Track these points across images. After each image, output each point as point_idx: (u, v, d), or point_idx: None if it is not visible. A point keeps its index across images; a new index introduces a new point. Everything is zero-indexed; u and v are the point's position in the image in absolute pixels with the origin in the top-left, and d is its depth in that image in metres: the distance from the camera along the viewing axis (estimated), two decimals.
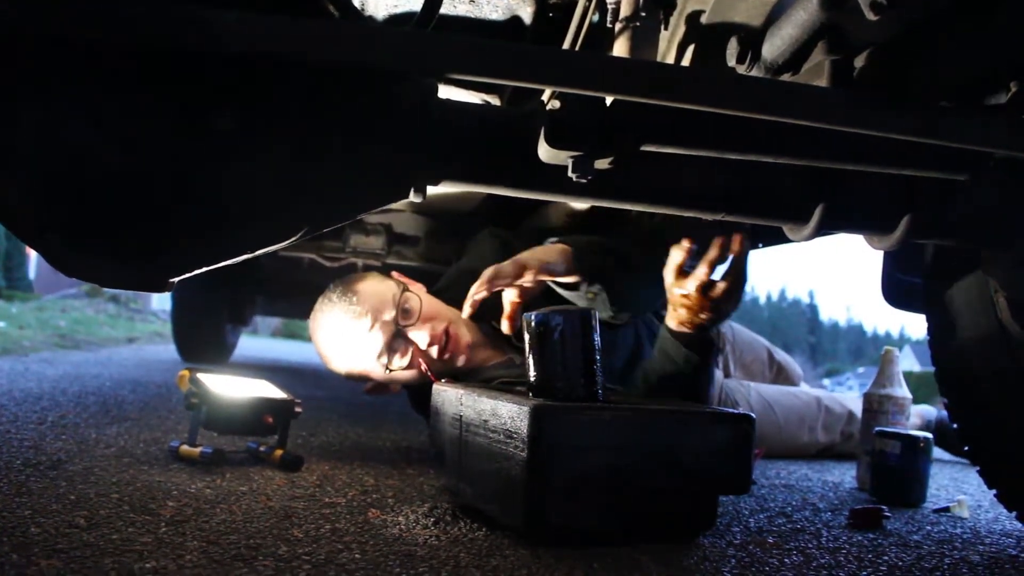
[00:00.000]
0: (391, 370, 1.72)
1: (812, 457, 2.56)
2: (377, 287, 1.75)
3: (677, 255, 1.47)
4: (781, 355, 2.89)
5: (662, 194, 1.13)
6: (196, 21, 0.81)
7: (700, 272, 1.43)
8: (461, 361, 1.76)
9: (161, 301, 14.04)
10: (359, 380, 1.81)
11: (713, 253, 1.43)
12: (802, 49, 0.93)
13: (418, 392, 1.85)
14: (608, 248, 1.66)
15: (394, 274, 1.84)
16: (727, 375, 2.62)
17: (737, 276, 1.44)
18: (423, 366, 1.72)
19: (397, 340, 1.71)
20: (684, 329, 1.50)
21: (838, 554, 1.21)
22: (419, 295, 1.76)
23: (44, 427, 1.68)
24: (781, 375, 2.84)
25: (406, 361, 1.72)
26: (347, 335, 1.71)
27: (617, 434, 1.11)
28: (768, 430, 2.39)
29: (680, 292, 1.47)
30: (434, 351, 1.72)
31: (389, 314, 1.70)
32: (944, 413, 2.70)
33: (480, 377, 1.76)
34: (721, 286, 1.44)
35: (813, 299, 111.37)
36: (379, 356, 1.70)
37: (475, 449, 1.22)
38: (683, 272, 1.48)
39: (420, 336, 1.72)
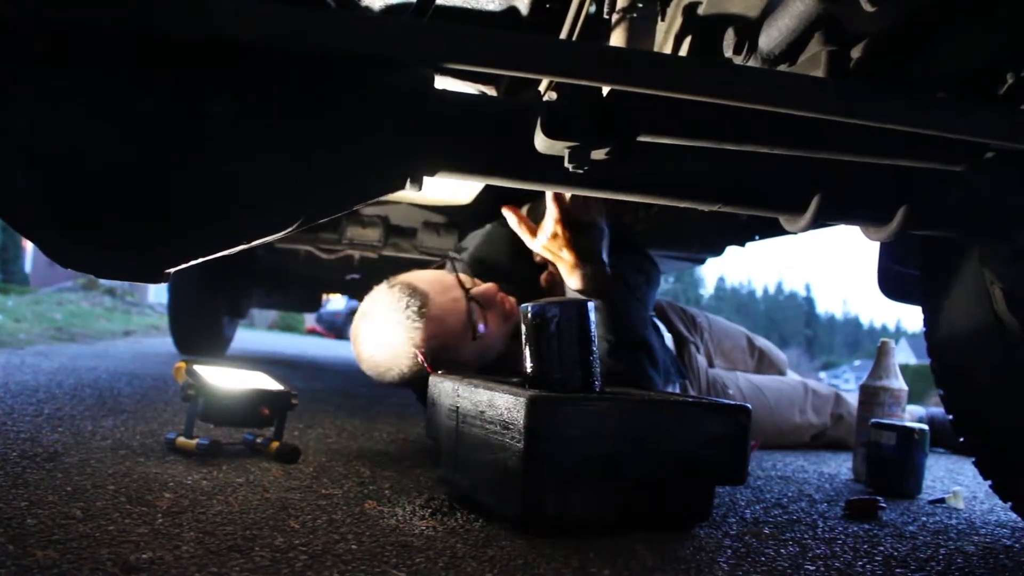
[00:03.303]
0: (476, 336, 1.69)
1: (807, 446, 2.58)
2: (424, 275, 1.74)
3: (515, 220, 1.55)
4: (761, 341, 2.90)
5: (659, 185, 1.13)
6: (193, 7, 0.81)
7: (550, 208, 1.48)
8: (513, 322, 1.77)
9: (158, 294, 14.03)
10: (446, 364, 1.68)
11: (551, 192, 1.47)
12: (799, 40, 0.93)
13: (423, 383, 1.84)
14: (618, 273, 1.68)
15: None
16: (710, 364, 2.63)
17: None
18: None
19: (472, 305, 1.69)
20: (587, 274, 1.55)
21: (834, 544, 1.21)
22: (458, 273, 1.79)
23: (40, 419, 1.68)
24: (764, 361, 2.84)
25: (484, 326, 1.71)
26: (432, 317, 1.65)
27: (613, 425, 1.12)
28: (761, 413, 2.39)
29: (545, 240, 1.52)
30: (500, 306, 1.74)
31: (455, 285, 1.71)
32: (935, 410, 2.71)
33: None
34: (571, 201, 1.49)
35: (810, 292, 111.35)
36: (467, 326, 1.68)
37: (472, 440, 1.22)
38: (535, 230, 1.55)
39: (486, 291, 1.73)
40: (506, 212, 1.55)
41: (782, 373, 2.84)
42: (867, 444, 1.85)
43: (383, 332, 1.66)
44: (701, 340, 2.66)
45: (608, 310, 1.56)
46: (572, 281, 1.57)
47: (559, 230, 1.49)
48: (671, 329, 2.49)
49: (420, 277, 1.71)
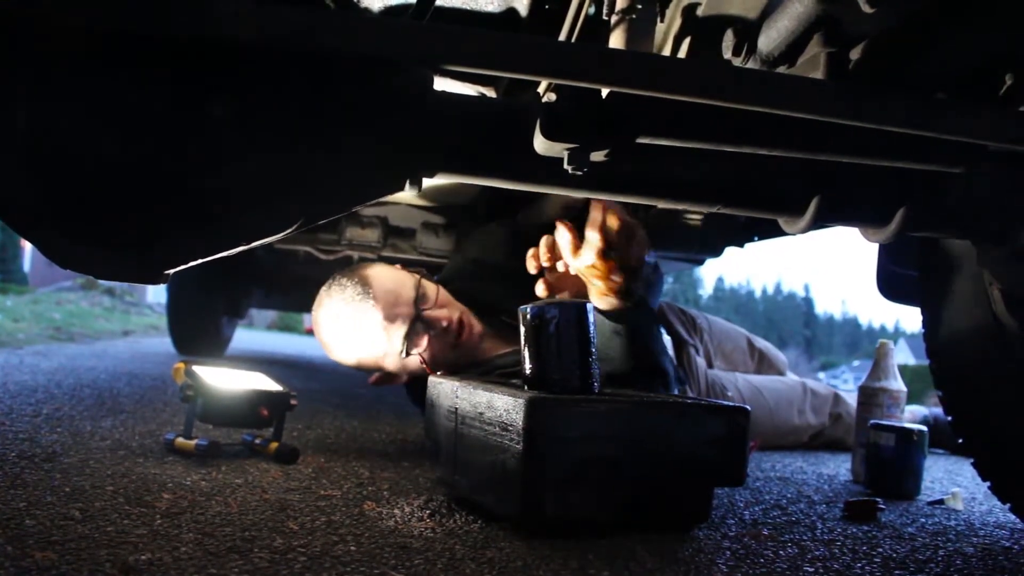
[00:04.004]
0: (409, 354, 1.70)
1: (806, 446, 2.58)
2: (393, 275, 1.74)
3: (566, 235, 1.47)
4: (761, 343, 2.90)
5: (658, 186, 1.13)
6: (193, 7, 0.81)
7: (592, 237, 1.42)
8: (469, 349, 1.76)
9: (157, 294, 14.03)
10: (368, 370, 1.80)
11: (596, 215, 1.42)
12: (798, 41, 0.93)
13: (416, 384, 1.84)
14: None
15: (398, 266, 1.83)
16: (710, 366, 2.64)
17: (622, 221, 1.43)
18: (427, 356, 1.71)
19: (416, 326, 1.69)
20: (613, 301, 1.50)
21: (833, 546, 1.21)
22: (433, 284, 1.76)
23: (39, 420, 1.68)
24: (764, 362, 2.85)
25: (422, 348, 1.70)
26: (362, 324, 1.68)
27: (612, 426, 1.12)
28: (760, 414, 2.40)
29: (584, 265, 1.47)
30: (450, 336, 1.72)
31: (408, 300, 1.69)
32: (935, 411, 2.71)
33: (486, 367, 1.76)
34: (616, 238, 1.43)
35: (808, 292, 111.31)
36: (398, 344, 1.68)
37: (471, 441, 1.22)
38: (579, 248, 1.48)
39: (438, 319, 1.71)
40: (561, 227, 1.51)
41: (782, 374, 2.84)
42: (866, 445, 1.85)
43: (334, 321, 1.72)
44: (701, 342, 2.66)
45: (629, 336, 1.52)
46: (597, 303, 1.53)
47: (597, 262, 1.44)
48: (670, 331, 2.48)
49: (382, 284, 1.70)
